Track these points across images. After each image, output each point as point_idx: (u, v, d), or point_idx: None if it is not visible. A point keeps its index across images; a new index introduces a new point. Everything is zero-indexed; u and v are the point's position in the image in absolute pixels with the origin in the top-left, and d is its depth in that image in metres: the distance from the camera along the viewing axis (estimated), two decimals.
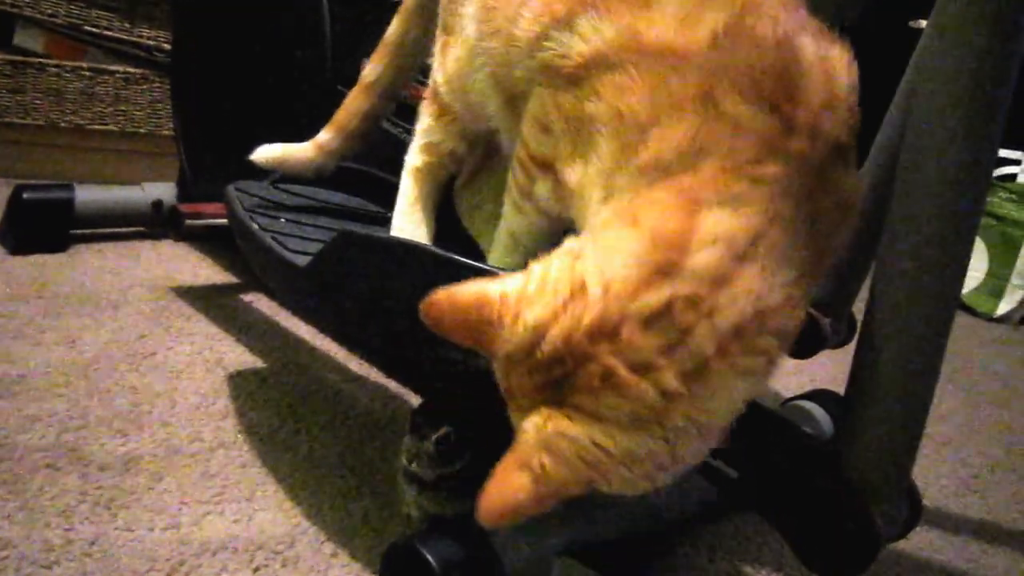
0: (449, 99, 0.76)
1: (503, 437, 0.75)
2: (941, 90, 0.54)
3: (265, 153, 0.91)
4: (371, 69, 0.91)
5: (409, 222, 0.83)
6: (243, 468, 0.85)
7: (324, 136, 0.92)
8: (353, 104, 0.91)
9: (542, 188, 0.62)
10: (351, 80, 1.12)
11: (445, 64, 0.75)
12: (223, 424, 0.93)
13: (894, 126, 0.81)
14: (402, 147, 1.01)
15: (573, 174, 0.56)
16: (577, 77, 0.54)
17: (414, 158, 0.82)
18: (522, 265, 0.66)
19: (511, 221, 0.67)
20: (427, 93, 0.80)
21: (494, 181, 0.84)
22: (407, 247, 0.70)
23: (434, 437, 0.70)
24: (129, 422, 0.91)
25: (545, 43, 0.57)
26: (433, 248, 0.70)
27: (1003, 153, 2.17)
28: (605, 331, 0.43)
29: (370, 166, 1.01)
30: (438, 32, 0.78)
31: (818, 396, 1.05)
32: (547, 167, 0.60)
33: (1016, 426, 1.38)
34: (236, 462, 0.86)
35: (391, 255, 0.69)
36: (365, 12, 1.12)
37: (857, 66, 0.53)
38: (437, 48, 0.77)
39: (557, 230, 0.66)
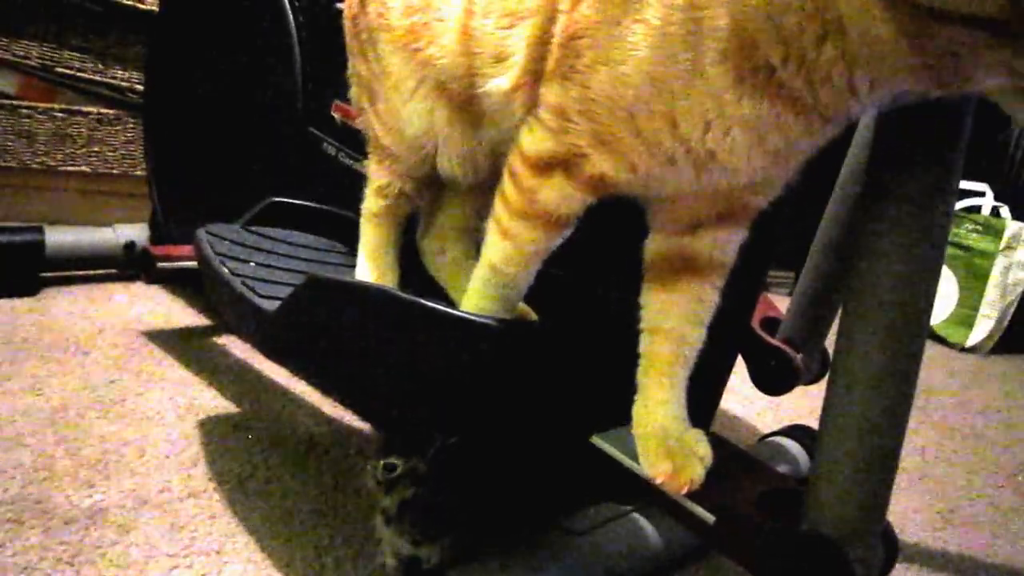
0: (387, 141, 0.80)
1: (477, 478, 0.75)
2: (902, 126, 0.55)
3: None
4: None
5: (374, 267, 0.83)
6: (213, 519, 0.83)
7: None
8: None
9: (552, 190, 0.60)
10: (322, 122, 1.13)
11: (379, 114, 0.79)
12: (193, 472, 0.91)
13: (860, 160, 0.83)
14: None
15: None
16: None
17: (369, 203, 0.85)
18: (497, 309, 0.67)
19: (494, 252, 0.65)
20: (370, 146, 0.84)
21: (451, 224, 0.85)
22: (375, 291, 0.70)
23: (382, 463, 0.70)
24: (96, 472, 0.88)
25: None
26: (401, 293, 0.70)
27: (968, 185, 2.22)
28: None
29: (340, 206, 1.01)
30: (361, 102, 0.83)
31: (794, 432, 1.06)
32: (552, 166, 0.59)
33: (990, 456, 1.39)
34: (205, 513, 0.84)
35: (360, 300, 0.68)
36: (337, 54, 1.13)
37: None
38: (367, 111, 0.82)
39: (544, 255, 0.65)
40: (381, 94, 0.78)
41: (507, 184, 0.63)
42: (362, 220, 0.85)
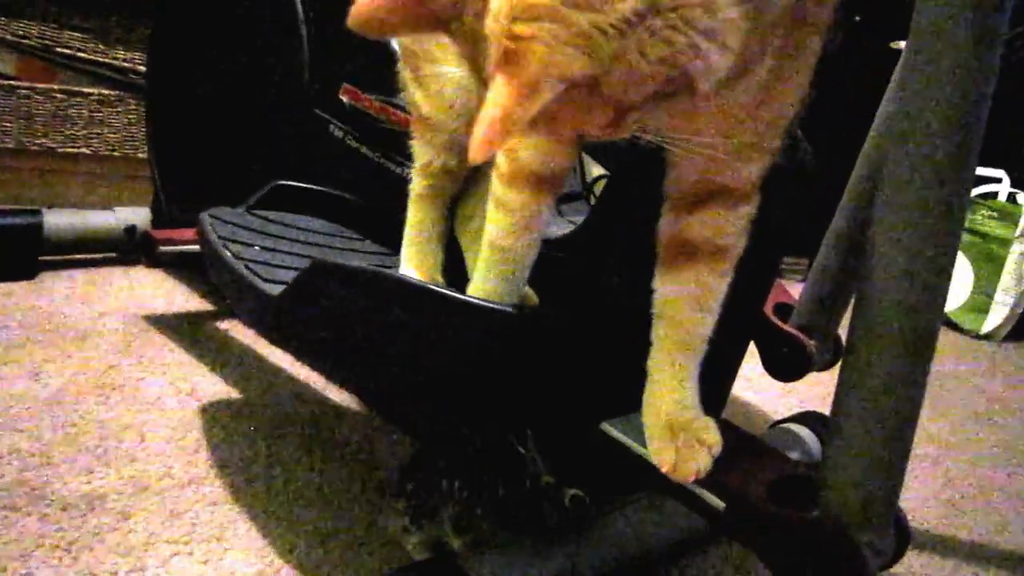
0: (428, 108, 0.78)
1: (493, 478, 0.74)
2: (921, 110, 0.54)
3: None
4: None
5: (416, 250, 0.82)
6: (214, 505, 0.82)
7: None
8: None
9: (532, 147, 0.62)
10: (329, 104, 1.11)
11: (422, 81, 0.78)
12: (194, 459, 0.90)
13: (876, 147, 0.81)
14: (379, 172, 0.99)
15: None
16: None
17: (414, 183, 0.83)
18: (501, 293, 0.65)
19: (492, 227, 0.66)
20: (413, 121, 0.82)
21: (482, 191, 0.83)
22: (379, 276, 0.68)
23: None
24: (95, 458, 0.87)
25: None
26: (404, 276, 0.69)
27: (984, 171, 2.19)
28: None
29: (345, 191, 1.00)
30: (405, 77, 0.81)
31: (806, 418, 1.04)
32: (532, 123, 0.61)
33: (1004, 444, 1.37)
34: (207, 499, 0.83)
35: (364, 284, 0.67)
36: (344, 37, 1.11)
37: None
38: (409, 84, 0.80)
39: (538, 224, 0.66)
40: (425, 57, 0.76)
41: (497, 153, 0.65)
42: (409, 201, 0.84)
